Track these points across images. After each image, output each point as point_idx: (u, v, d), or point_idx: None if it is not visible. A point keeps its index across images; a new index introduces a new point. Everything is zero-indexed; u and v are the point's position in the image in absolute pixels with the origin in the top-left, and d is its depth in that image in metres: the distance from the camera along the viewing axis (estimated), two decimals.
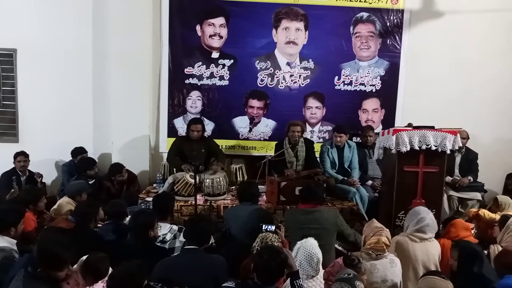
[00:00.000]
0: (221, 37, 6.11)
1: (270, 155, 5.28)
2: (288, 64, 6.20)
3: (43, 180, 5.61)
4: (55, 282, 2.58)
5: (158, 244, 3.49)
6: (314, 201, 3.83)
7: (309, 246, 2.89)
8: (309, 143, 5.48)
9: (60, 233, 3.14)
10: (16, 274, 2.66)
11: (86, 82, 5.97)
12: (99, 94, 5.98)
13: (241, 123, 6.26)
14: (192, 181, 4.64)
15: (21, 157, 5.46)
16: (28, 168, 5.55)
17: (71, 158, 5.76)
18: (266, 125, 6.28)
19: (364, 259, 3.14)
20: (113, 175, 5.38)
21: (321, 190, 3.96)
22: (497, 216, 4.17)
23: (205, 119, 6.02)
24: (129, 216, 3.85)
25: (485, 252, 3.60)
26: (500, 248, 3.60)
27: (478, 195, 5.43)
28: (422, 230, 3.45)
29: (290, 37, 6.14)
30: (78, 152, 5.71)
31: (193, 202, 4.47)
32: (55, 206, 4.48)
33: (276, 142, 5.62)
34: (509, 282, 2.85)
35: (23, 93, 6.00)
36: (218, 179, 4.91)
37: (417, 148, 4.19)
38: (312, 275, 2.83)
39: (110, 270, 2.90)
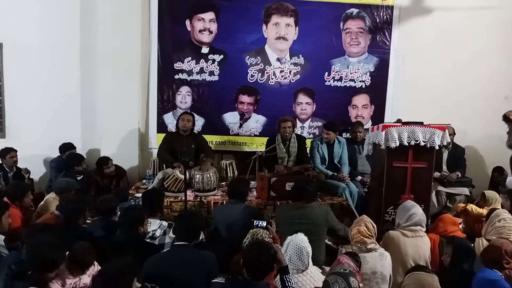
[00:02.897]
0: (211, 32, 6.07)
1: (261, 151, 5.27)
2: (278, 59, 6.19)
3: (30, 176, 5.54)
4: (42, 282, 2.55)
5: (148, 240, 3.47)
6: (305, 198, 3.84)
7: (299, 240, 2.90)
8: (301, 140, 5.49)
9: (47, 231, 3.09)
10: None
11: (74, 77, 5.90)
12: (88, 89, 5.92)
13: (231, 118, 6.25)
14: (182, 177, 4.62)
15: (13, 153, 5.36)
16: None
17: (59, 154, 5.69)
18: (257, 121, 6.27)
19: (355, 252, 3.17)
20: (100, 167, 5.36)
21: (312, 187, 3.96)
22: (484, 211, 4.22)
23: (195, 114, 5.99)
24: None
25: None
26: (485, 241, 3.65)
27: (466, 190, 5.48)
28: (414, 225, 3.49)
29: (280, 32, 6.14)
30: (66, 148, 5.65)
31: (183, 198, 4.45)
32: (42, 203, 4.43)
33: (268, 137, 5.62)
34: (485, 276, 2.89)
35: (10, 88, 5.88)
36: (208, 175, 4.89)
37: (406, 144, 4.21)
38: (302, 269, 2.84)
39: (98, 266, 2.90)
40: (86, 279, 2.85)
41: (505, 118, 4.92)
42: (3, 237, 3.29)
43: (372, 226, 3.34)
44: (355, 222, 3.43)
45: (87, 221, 3.84)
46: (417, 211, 3.55)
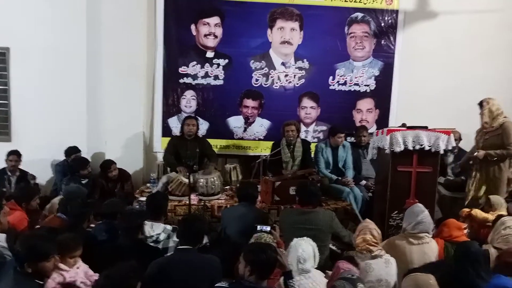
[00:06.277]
0: (216, 36, 6.10)
1: (265, 155, 5.27)
2: (283, 64, 6.20)
3: (36, 181, 5.57)
4: (41, 273, 2.64)
5: (152, 244, 3.48)
6: (311, 203, 3.82)
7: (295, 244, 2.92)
8: (306, 144, 5.48)
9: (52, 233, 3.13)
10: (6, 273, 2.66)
11: (79, 81, 5.93)
12: (93, 93, 5.95)
13: (235, 122, 6.26)
14: (186, 180, 4.63)
15: (13, 156, 5.42)
16: (21, 167, 5.51)
17: (64, 158, 5.73)
18: (261, 125, 6.28)
19: (359, 258, 3.15)
20: (104, 171, 5.39)
21: (316, 191, 3.96)
22: (489, 216, 4.19)
23: (199, 118, 6.00)
24: None
25: None
26: (493, 249, 3.61)
27: None
28: (420, 232, 3.45)
29: (285, 37, 6.15)
30: (72, 151, 5.68)
31: (187, 202, 4.46)
32: (48, 205, 4.45)
33: (273, 142, 5.61)
34: (501, 283, 2.84)
35: (16, 92, 5.96)
36: (212, 178, 4.89)
37: (411, 148, 4.20)
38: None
39: (87, 266, 2.97)
40: (81, 274, 2.90)
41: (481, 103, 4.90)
42: (4, 235, 3.30)
43: (377, 233, 3.29)
44: (359, 229, 3.35)
45: (92, 225, 3.86)
46: (425, 219, 3.48)
